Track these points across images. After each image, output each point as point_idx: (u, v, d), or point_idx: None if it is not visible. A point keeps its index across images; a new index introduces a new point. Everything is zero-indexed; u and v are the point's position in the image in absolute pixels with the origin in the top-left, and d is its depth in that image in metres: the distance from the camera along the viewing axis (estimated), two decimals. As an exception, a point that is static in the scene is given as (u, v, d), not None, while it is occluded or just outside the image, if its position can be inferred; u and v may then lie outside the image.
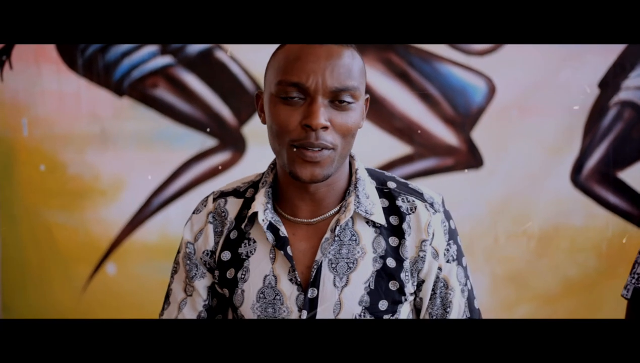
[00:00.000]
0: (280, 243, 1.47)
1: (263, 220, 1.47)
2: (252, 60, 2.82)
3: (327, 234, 1.46)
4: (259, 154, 2.82)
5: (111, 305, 2.91)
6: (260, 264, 1.49)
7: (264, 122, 1.47)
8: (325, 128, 1.35)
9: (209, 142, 2.87)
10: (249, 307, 1.49)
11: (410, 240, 1.48)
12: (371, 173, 1.56)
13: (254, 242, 1.50)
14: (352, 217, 1.48)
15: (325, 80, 1.34)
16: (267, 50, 1.47)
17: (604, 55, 2.74)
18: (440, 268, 1.51)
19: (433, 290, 1.52)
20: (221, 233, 1.53)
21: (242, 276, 1.50)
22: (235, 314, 1.54)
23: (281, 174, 1.50)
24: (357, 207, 1.46)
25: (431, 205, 1.51)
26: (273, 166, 1.55)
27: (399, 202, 1.49)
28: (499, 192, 2.80)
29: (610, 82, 2.73)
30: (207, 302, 1.58)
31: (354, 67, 1.39)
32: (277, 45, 1.46)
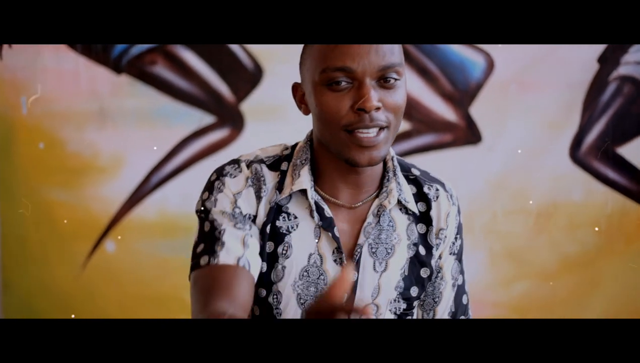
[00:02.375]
0: (326, 224, 1.46)
1: (311, 198, 1.45)
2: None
3: (370, 219, 1.48)
4: (257, 131, 2.81)
5: (111, 282, 2.92)
6: (305, 242, 1.47)
7: (305, 113, 1.47)
8: (378, 108, 1.34)
9: (207, 119, 2.86)
10: (289, 284, 1.46)
11: (434, 227, 1.52)
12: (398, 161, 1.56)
13: (295, 217, 1.47)
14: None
15: (371, 60, 1.34)
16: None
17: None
18: (440, 257, 1.55)
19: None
20: (260, 198, 1.47)
21: (284, 252, 1.46)
22: (268, 291, 1.47)
23: (321, 155, 1.48)
24: (400, 194, 1.48)
25: (451, 196, 1.56)
26: (310, 143, 1.51)
27: (426, 189, 1.53)
28: (498, 168, 2.80)
29: (609, 57, 2.72)
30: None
31: (394, 46, 1.38)
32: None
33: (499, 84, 2.76)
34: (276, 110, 2.76)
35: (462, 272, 1.59)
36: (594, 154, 2.76)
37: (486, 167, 2.80)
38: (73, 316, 2.89)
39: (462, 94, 2.78)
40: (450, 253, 1.55)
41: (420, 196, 1.53)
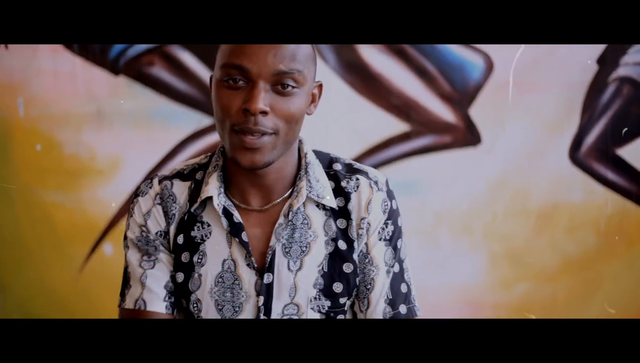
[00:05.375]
0: (235, 230, 1.48)
1: (218, 205, 1.48)
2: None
3: (281, 219, 1.49)
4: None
5: (108, 285, 2.88)
6: (218, 248, 1.50)
7: None
8: (264, 113, 1.35)
9: (205, 120, 2.85)
10: (206, 291, 1.50)
11: (354, 219, 1.52)
12: (318, 156, 1.58)
13: (208, 225, 1.51)
14: (303, 202, 1.50)
15: (267, 63, 1.34)
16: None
17: (603, 31, 2.72)
18: (367, 245, 1.53)
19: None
20: (172, 215, 1.53)
21: (199, 260, 1.51)
22: (187, 300, 1.52)
23: (230, 160, 1.49)
24: (310, 192, 1.49)
25: (375, 183, 1.54)
26: (223, 149, 1.54)
27: (344, 183, 1.53)
28: (497, 170, 2.78)
29: (608, 58, 2.71)
30: (172, 271, 1.55)
31: (299, 52, 1.38)
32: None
33: (498, 85, 2.75)
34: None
35: (400, 261, 1.56)
36: (594, 155, 2.75)
37: (486, 169, 2.79)
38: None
39: (461, 95, 2.77)
40: (380, 239, 1.54)
41: (338, 191, 1.53)
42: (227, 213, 1.48)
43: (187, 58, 2.84)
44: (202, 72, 2.84)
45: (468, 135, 2.78)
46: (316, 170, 1.53)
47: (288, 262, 1.49)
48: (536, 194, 2.80)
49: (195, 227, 1.51)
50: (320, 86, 1.51)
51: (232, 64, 1.35)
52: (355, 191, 1.52)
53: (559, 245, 2.80)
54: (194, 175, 1.55)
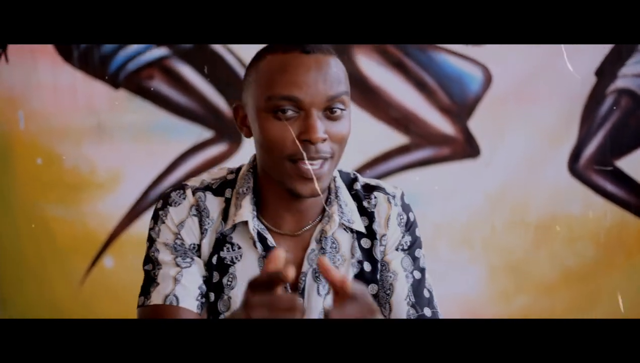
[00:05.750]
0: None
1: (253, 229, 1.46)
2: (247, 50, 2.80)
3: (313, 245, 1.49)
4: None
5: (109, 298, 2.90)
6: (249, 272, 1.47)
7: (247, 136, 1.46)
8: (324, 140, 1.35)
9: (206, 133, 2.86)
10: None
11: (378, 239, 1.53)
12: (341, 176, 1.58)
13: (239, 247, 1.49)
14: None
15: (319, 90, 1.34)
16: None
17: (601, 43, 2.73)
18: (385, 254, 1.53)
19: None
20: (204, 230, 1.49)
21: (229, 282, 1.48)
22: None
23: (265, 183, 1.48)
24: (341, 218, 1.49)
25: (393, 197, 1.55)
26: (252, 170, 1.51)
27: (365, 203, 1.54)
28: (496, 182, 2.80)
29: (607, 70, 2.72)
30: (206, 276, 1.50)
31: (341, 73, 1.39)
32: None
33: (497, 97, 2.76)
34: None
35: (420, 269, 1.56)
36: (593, 167, 2.75)
37: (485, 181, 2.80)
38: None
39: (460, 108, 2.77)
40: (397, 249, 1.54)
41: (361, 211, 1.54)
42: (260, 237, 1.47)
43: (187, 71, 2.84)
44: (202, 85, 2.84)
45: (467, 148, 2.79)
46: (343, 193, 1.54)
47: (318, 287, 1.49)
48: (535, 206, 2.80)
49: (225, 248, 1.49)
50: None
51: (282, 96, 1.33)
52: (375, 208, 1.53)
53: (558, 257, 2.80)
54: (223, 192, 1.51)
